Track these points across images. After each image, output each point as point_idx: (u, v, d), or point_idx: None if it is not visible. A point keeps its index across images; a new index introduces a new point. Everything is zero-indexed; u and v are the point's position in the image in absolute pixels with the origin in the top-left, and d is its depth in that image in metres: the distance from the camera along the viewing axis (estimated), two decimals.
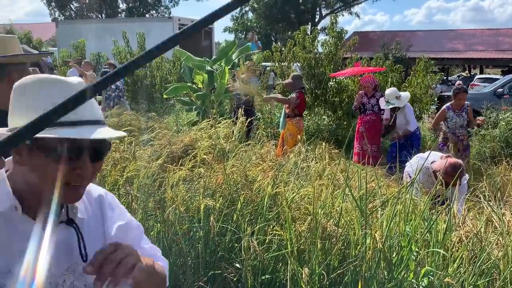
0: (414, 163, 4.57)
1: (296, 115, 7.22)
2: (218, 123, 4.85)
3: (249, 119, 5.09)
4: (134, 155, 3.64)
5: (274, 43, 41.65)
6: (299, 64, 10.72)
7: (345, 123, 10.17)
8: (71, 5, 48.38)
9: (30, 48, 12.15)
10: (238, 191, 2.43)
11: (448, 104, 6.75)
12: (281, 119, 7.36)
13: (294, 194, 2.36)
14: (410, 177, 4.62)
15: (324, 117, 10.18)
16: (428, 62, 10.05)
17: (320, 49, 10.64)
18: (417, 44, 26.80)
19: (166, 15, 39.03)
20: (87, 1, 47.03)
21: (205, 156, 3.31)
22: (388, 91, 7.29)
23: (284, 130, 7.24)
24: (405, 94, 7.40)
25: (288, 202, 2.18)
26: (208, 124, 4.90)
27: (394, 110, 7.33)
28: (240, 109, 5.87)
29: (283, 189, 2.29)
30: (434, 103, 10.65)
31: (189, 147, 3.87)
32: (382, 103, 7.34)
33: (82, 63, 11.46)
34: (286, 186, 2.40)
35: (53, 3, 47.64)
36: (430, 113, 10.75)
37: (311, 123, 9.88)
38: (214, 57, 10.75)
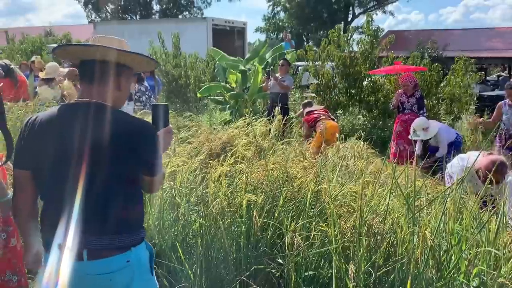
0: (455, 164, 4.45)
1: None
2: (254, 121, 4.86)
3: (285, 118, 5.06)
4: (174, 151, 3.69)
5: (306, 43, 41.38)
6: (332, 64, 10.61)
7: (380, 122, 10.00)
8: (106, 7, 49.48)
9: None
10: (280, 187, 2.42)
11: (506, 100, 6.66)
12: None
13: (337, 191, 2.33)
14: (451, 178, 4.50)
15: (359, 116, 10.05)
16: (467, 61, 9.77)
17: (355, 48, 10.51)
18: (454, 43, 26.05)
19: (198, 16, 39.45)
20: (122, 3, 48.06)
21: (245, 152, 3.32)
22: (416, 121, 6.98)
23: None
24: (433, 126, 6.98)
25: (332, 199, 2.16)
26: (245, 122, 4.92)
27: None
28: (276, 107, 5.85)
29: (327, 186, 2.26)
30: (473, 102, 10.34)
31: (227, 144, 3.90)
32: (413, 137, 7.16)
33: None
34: (329, 183, 2.38)
35: (89, 5, 48.86)
36: (469, 113, 10.44)
37: (346, 123, 9.77)
38: (247, 56, 10.78)
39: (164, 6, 50.39)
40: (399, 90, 7.78)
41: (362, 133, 7.95)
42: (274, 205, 2.36)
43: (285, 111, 7.28)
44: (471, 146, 8.30)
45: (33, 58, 8.80)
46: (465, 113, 10.23)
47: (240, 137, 4.06)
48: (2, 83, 3.07)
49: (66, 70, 8.21)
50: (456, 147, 6.97)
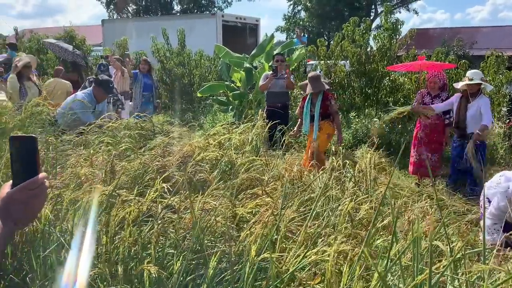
0: (495, 184, 3.44)
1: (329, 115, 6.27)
2: (236, 127, 3.94)
3: (274, 123, 4.10)
4: (112, 169, 2.81)
5: (327, 42, 40.08)
6: (347, 62, 9.60)
7: (400, 126, 8.93)
8: (128, 7, 49.42)
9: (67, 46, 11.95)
10: (213, 243, 1.50)
11: None
12: (306, 120, 6.30)
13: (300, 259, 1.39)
14: (489, 201, 3.51)
15: (375, 119, 8.99)
16: (500, 57, 8.59)
17: (372, 44, 9.46)
18: (482, 41, 24.49)
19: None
20: (143, 3, 47.94)
21: (202, 174, 2.40)
22: (473, 71, 5.98)
23: (318, 133, 6.21)
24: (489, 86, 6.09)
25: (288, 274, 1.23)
26: (224, 128, 4.00)
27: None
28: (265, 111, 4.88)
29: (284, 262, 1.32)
30: (506, 104, 9.13)
31: (188, 158, 2.99)
32: (459, 84, 6.08)
33: (127, 59, 10.93)
34: (286, 251, 1.43)
35: (111, 6, 48.85)
36: (500, 116, 9.23)
37: (360, 126, 8.73)
38: (252, 53, 9.85)
39: (185, 6, 50.09)
40: (422, 90, 6.71)
41: (377, 139, 6.98)
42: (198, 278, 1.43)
43: (281, 116, 6.29)
44: (506, 155, 7.20)
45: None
46: (496, 116, 9.04)
47: (206, 149, 3.14)
48: None
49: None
50: (482, 147, 5.86)
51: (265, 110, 7.48)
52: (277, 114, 7.25)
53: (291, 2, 46.50)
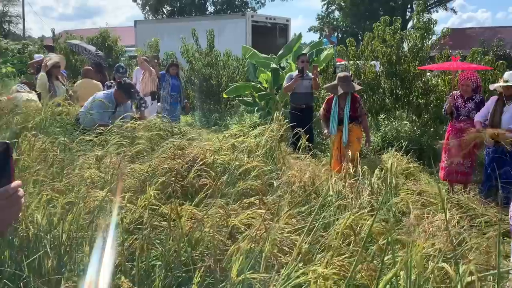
0: None
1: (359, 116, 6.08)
2: (252, 130, 3.82)
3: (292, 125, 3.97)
4: (120, 171, 2.75)
5: (361, 42, 39.43)
6: (377, 63, 9.31)
7: (431, 130, 8.58)
8: (163, 8, 50.23)
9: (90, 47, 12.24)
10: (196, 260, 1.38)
11: None
12: (334, 122, 6.04)
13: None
14: None
15: (405, 122, 8.67)
16: None
17: (405, 45, 9.13)
18: None
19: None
20: (177, 5, 48.60)
21: (206, 180, 2.30)
22: (509, 72, 5.59)
23: (348, 137, 5.98)
24: None
25: None
26: (241, 130, 3.90)
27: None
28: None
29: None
30: None
31: (195, 163, 2.89)
32: (493, 86, 5.74)
33: (155, 60, 11.06)
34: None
35: (147, 7, 49.74)
36: None
37: (389, 129, 8.43)
38: (279, 53, 9.71)
39: (218, 7, 50.50)
40: (454, 92, 6.39)
41: (406, 142, 6.71)
42: None
43: (304, 117, 6.14)
44: None
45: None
46: None
47: (218, 152, 3.04)
48: None
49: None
50: None
51: (289, 111, 7.38)
52: (302, 115, 7.15)
53: (325, 1, 46.06)
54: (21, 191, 1.07)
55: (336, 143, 6.06)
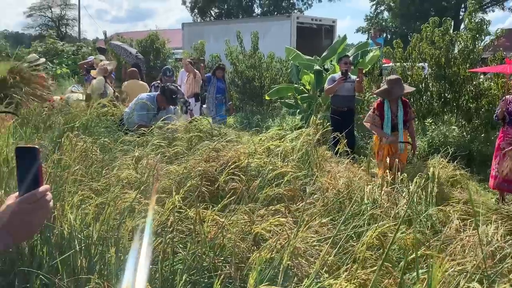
0: None
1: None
2: (290, 133, 3.78)
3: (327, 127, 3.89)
4: (157, 173, 2.79)
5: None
6: (425, 65, 8.99)
7: (482, 135, 8.18)
8: (211, 11, 50.98)
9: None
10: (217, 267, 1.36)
11: None
12: (387, 129, 5.69)
13: None
14: None
15: (453, 127, 8.31)
16: None
17: (456, 47, 8.76)
18: None
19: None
20: (225, 7, 49.21)
21: (235, 184, 2.30)
22: None
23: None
24: None
25: None
26: (279, 133, 3.86)
27: None
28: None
29: None
30: None
31: (232, 165, 2.89)
32: None
33: (202, 64, 11.29)
34: None
35: (195, 10, 50.68)
36: None
37: (436, 134, 8.11)
38: (323, 54, 9.59)
39: (265, 8, 50.68)
40: (507, 96, 6.06)
41: (454, 148, 6.42)
42: None
43: (352, 119, 5.98)
44: None
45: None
46: None
47: (253, 155, 3.02)
48: None
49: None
50: None
51: (330, 114, 7.27)
52: (344, 118, 7.02)
53: (374, 2, 45.15)
54: (49, 195, 1.09)
55: (386, 150, 5.76)
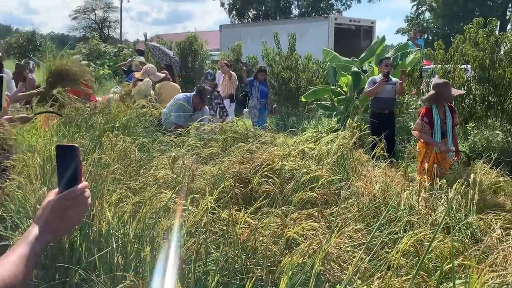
0: None
1: None
2: (326, 135, 3.75)
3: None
4: (192, 173, 2.83)
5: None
6: (467, 67, 8.69)
7: None
8: (249, 12, 51.27)
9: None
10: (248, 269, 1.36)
11: None
12: (438, 137, 5.37)
13: None
14: None
15: (497, 131, 8.00)
16: None
17: (501, 49, 8.43)
18: None
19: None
20: (263, 9, 49.36)
21: (268, 186, 2.30)
22: None
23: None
24: None
25: None
26: (314, 135, 3.84)
27: None
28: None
29: None
30: None
31: (266, 167, 2.89)
32: None
33: (244, 67, 11.37)
34: None
35: (233, 12, 51.10)
36: None
37: (479, 139, 7.83)
38: (361, 56, 9.45)
39: (303, 10, 50.52)
40: None
41: (497, 154, 6.18)
42: None
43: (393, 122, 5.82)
44: None
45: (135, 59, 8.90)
46: None
47: (287, 158, 3.02)
48: None
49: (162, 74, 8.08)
50: None
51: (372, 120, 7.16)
52: (384, 121, 6.92)
53: (415, 2, 44.11)
54: (87, 192, 1.13)
55: (432, 159, 5.49)
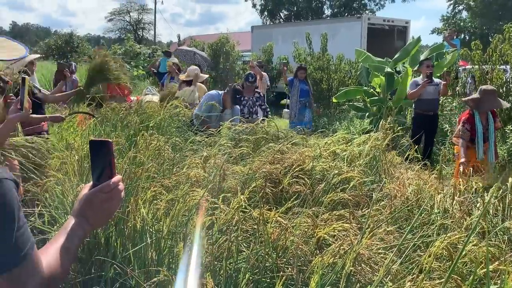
0: None
1: None
2: (357, 137, 3.72)
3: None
4: (223, 173, 2.87)
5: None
6: (506, 67, 8.41)
7: None
8: (280, 13, 51.21)
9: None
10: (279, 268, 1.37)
11: None
12: (480, 144, 5.12)
13: None
14: None
15: None
16: None
17: None
18: None
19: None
20: (295, 9, 49.23)
21: (299, 187, 2.31)
22: None
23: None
24: None
25: None
26: (345, 136, 3.82)
27: None
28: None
29: None
30: None
31: (296, 167, 2.90)
32: None
33: (285, 68, 11.35)
34: None
35: (265, 12, 51.16)
36: None
37: (509, 146, 7.61)
38: (395, 56, 9.29)
39: (336, 10, 50.05)
40: None
41: None
42: None
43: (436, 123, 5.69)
44: None
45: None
46: None
47: (318, 159, 3.02)
48: None
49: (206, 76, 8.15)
50: None
51: (413, 118, 7.09)
52: (428, 122, 6.87)
53: (451, 1, 42.97)
54: (121, 185, 1.17)
55: (472, 163, 5.27)
